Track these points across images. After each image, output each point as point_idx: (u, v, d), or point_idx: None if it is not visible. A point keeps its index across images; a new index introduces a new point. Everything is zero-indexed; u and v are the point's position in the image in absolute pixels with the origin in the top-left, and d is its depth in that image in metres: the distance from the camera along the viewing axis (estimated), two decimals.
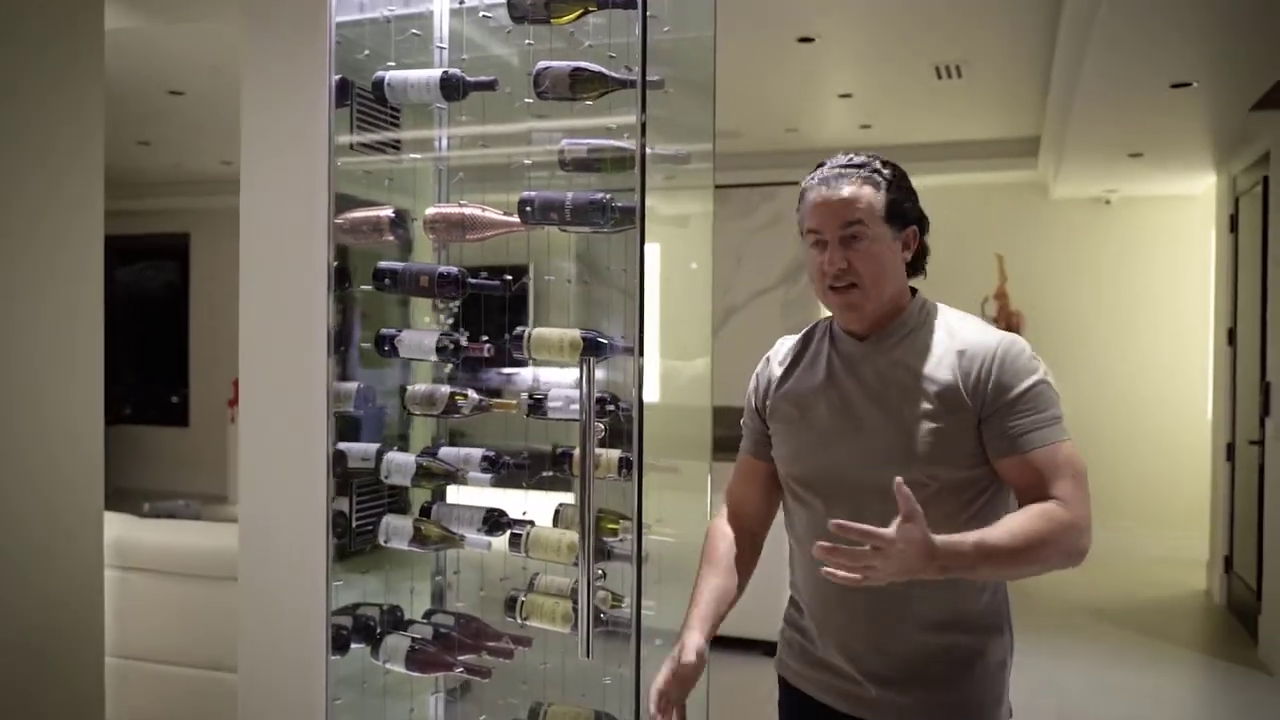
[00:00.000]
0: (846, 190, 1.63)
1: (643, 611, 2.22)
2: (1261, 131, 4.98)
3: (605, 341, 2.28)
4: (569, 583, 2.36)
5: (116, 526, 3.64)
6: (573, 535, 2.29)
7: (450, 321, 2.64)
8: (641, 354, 2.18)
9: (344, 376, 2.53)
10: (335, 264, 2.44)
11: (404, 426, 2.80)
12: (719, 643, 1.97)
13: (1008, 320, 7.27)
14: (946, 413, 1.57)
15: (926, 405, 1.58)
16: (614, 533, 2.34)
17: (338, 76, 2.43)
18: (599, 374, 2.15)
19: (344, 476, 2.52)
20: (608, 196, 2.26)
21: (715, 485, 2.46)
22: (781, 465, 1.76)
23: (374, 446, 2.56)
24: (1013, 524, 1.50)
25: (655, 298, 2.82)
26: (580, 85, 2.32)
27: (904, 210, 1.67)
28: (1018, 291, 7.33)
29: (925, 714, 1.62)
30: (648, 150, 2.23)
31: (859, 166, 1.66)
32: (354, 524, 2.58)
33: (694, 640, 1.67)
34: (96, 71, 3.31)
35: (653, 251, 2.65)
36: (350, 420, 2.58)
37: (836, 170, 1.66)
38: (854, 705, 1.66)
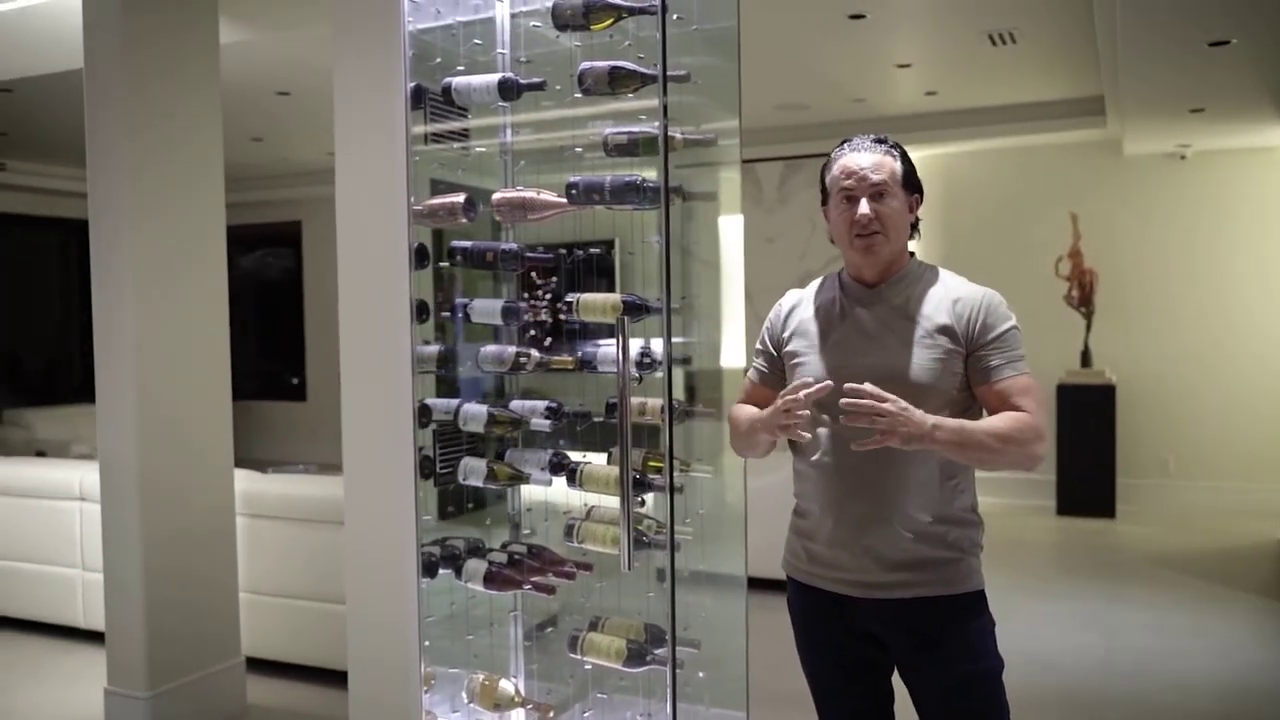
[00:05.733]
0: (875, 157, 2.01)
1: (678, 536, 2.59)
2: None
3: (642, 303, 2.64)
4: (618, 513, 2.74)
5: (242, 481, 4.18)
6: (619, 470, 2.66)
7: (549, 296, 3.04)
8: (670, 313, 2.53)
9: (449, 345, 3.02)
10: (415, 244, 2.86)
11: (504, 389, 3.20)
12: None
13: (1080, 278, 7.34)
14: (942, 345, 1.94)
15: (926, 338, 1.95)
16: (658, 470, 2.71)
17: (412, 84, 2.84)
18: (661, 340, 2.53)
19: (435, 428, 2.96)
20: (640, 178, 2.62)
21: None
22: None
23: (455, 401, 2.99)
24: (989, 419, 1.92)
25: (739, 268, 3.12)
26: (618, 82, 2.66)
27: (914, 180, 2.06)
28: (1094, 249, 7.39)
29: (928, 586, 1.94)
30: (678, 134, 2.58)
31: (881, 141, 2.04)
32: (438, 467, 3.01)
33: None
34: (212, 82, 3.82)
35: (735, 223, 3.01)
36: (448, 381, 3.03)
37: (866, 143, 2.04)
38: (866, 589, 1.97)
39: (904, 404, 1.82)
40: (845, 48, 5.51)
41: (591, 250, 2.95)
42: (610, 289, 2.84)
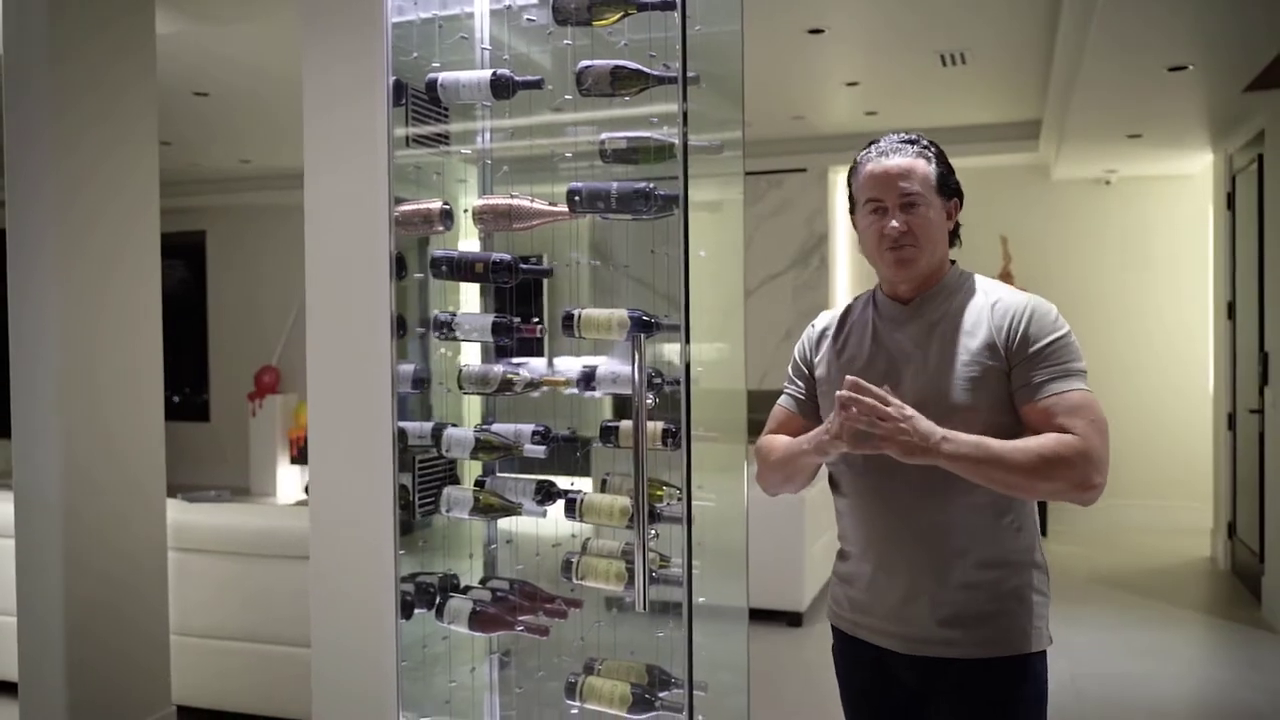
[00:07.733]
0: (905, 161, 1.79)
1: (692, 570, 2.40)
2: (1256, 111, 5.15)
3: (650, 320, 2.45)
4: (618, 546, 2.54)
5: (170, 511, 3.82)
6: (624, 500, 2.46)
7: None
8: (688, 330, 2.35)
9: None
10: (395, 253, 2.61)
11: (444, 407, 2.96)
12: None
13: None
14: (982, 362, 1.74)
15: (965, 355, 1.75)
16: (660, 498, 2.51)
17: (393, 78, 2.60)
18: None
19: (406, 453, 2.70)
20: (651, 185, 2.43)
21: (751, 462, 2.63)
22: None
23: (430, 424, 2.74)
24: (1021, 440, 1.68)
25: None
26: (620, 82, 2.47)
27: (950, 183, 1.84)
28: (1022, 271, 7.49)
29: (978, 646, 1.74)
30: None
31: (912, 142, 1.83)
32: (415, 497, 2.76)
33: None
34: (149, 79, 3.49)
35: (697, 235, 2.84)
36: (400, 401, 2.77)
37: (894, 145, 1.82)
38: (912, 645, 1.78)
39: (910, 412, 1.65)
40: (797, 63, 5.43)
41: (593, 261, 2.75)
42: (537, 306, 2.66)
